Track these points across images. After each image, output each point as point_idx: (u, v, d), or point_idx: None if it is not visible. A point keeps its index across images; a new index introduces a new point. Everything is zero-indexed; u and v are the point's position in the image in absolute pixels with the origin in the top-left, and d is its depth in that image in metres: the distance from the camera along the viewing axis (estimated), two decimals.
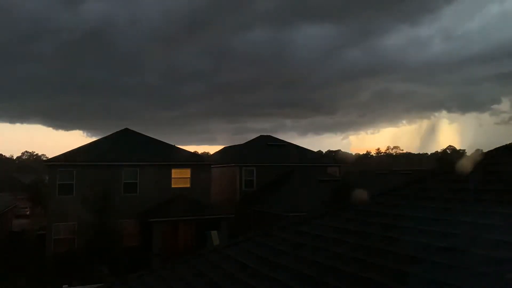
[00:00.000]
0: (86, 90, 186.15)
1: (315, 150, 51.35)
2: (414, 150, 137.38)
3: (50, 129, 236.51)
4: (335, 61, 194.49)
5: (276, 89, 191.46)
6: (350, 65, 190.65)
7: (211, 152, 61.83)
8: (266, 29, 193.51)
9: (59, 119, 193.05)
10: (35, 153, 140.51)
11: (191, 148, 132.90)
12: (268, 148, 36.75)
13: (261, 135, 41.22)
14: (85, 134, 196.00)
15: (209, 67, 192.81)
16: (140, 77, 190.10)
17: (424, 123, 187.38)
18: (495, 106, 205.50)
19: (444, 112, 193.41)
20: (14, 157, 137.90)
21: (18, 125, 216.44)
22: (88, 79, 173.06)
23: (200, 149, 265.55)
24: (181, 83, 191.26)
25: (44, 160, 29.02)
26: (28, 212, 49.50)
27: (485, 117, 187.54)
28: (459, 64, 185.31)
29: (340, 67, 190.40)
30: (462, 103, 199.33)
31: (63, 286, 16.74)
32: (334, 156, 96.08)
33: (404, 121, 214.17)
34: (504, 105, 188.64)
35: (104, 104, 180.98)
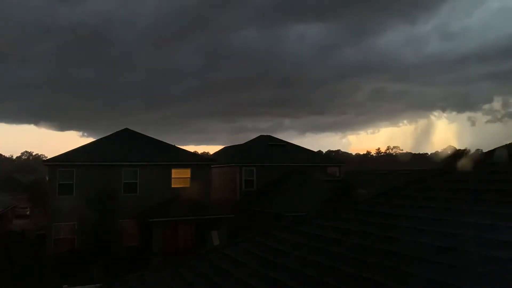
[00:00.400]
0: (80, 90, 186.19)
1: (315, 150, 51.30)
2: (410, 150, 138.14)
3: (43, 129, 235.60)
4: (332, 60, 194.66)
5: (274, 89, 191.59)
6: (346, 64, 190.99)
7: (211, 152, 61.85)
8: (263, 28, 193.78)
9: (53, 119, 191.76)
10: (35, 153, 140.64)
11: (190, 148, 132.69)
12: (268, 148, 36.75)
13: (261, 135, 41.23)
14: (80, 134, 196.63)
15: (206, 66, 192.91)
16: (136, 76, 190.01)
17: (419, 123, 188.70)
18: (487, 105, 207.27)
19: (439, 112, 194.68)
20: (14, 157, 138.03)
21: (14, 125, 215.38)
22: (83, 79, 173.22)
23: (200, 149, 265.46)
24: (177, 82, 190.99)
25: (44, 160, 28.98)
26: (28, 212, 49.49)
27: (478, 116, 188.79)
28: (453, 63, 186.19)
29: (336, 66, 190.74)
30: (456, 102, 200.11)
31: (63, 286, 16.73)
32: (334, 156, 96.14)
33: (400, 121, 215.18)
34: (496, 103, 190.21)
35: (100, 104, 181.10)
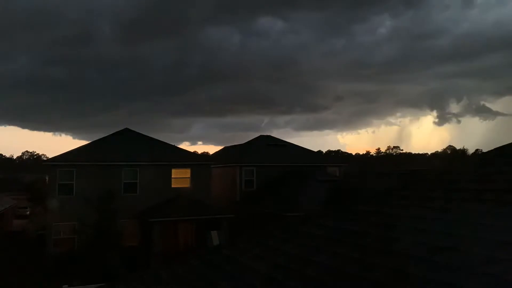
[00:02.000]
0: (72, 89, 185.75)
1: (314, 149, 51.34)
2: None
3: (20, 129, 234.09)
4: (313, 57, 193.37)
5: (272, 88, 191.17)
6: (320, 61, 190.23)
7: (211, 152, 62.02)
8: (236, 22, 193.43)
9: (33, 120, 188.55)
10: (35, 153, 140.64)
11: (190, 148, 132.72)
12: (268, 148, 36.76)
13: (261, 135, 41.27)
14: (62, 135, 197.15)
15: (201, 62, 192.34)
16: (106, 72, 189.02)
17: (401, 122, 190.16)
18: (462, 102, 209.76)
19: (421, 111, 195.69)
20: (14, 157, 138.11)
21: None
22: (68, 77, 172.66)
23: (200, 149, 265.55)
24: (149, 79, 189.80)
25: (44, 160, 29.03)
26: (28, 212, 49.47)
27: (458, 114, 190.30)
28: (428, 61, 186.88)
29: (314, 63, 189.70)
30: (432, 101, 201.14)
31: (63, 286, 16.75)
32: (333, 156, 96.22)
33: (386, 120, 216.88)
34: (464, 101, 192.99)
35: (91, 103, 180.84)
